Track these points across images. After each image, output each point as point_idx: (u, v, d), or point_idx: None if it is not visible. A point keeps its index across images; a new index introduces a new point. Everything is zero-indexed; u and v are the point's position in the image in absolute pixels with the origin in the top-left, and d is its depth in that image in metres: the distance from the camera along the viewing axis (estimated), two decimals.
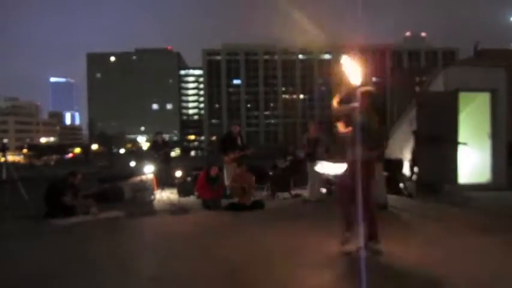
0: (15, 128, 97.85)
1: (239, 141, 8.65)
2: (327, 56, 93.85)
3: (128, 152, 74.72)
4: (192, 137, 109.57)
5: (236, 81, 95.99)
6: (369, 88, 4.11)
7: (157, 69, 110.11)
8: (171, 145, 11.35)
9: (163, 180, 9.04)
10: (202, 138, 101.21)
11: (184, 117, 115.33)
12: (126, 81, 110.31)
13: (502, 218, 5.95)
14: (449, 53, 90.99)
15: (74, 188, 6.69)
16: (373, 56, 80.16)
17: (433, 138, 7.75)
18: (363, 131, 3.91)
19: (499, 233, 4.90)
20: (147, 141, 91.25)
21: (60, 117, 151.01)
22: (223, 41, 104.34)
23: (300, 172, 8.54)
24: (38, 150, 78.49)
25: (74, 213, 6.38)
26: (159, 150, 9.74)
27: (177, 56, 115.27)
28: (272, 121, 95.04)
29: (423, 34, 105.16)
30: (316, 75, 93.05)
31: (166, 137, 21.23)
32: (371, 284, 3.16)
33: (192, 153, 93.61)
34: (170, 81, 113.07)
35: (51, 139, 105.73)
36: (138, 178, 8.49)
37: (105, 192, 7.99)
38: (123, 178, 9.03)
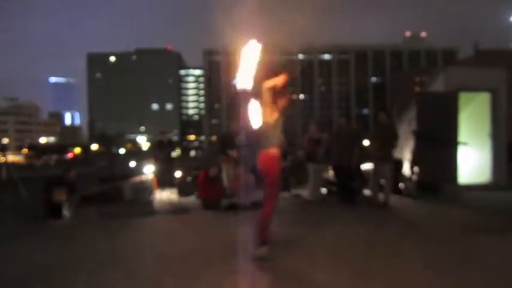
0: (15, 128, 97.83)
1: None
2: (326, 56, 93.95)
3: (128, 152, 74.66)
4: (192, 137, 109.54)
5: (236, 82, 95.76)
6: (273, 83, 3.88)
7: (157, 69, 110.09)
8: (174, 145, 11.30)
9: (163, 180, 9.04)
10: (202, 138, 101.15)
11: (184, 117, 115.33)
12: (126, 81, 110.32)
13: (502, 218, 5.96)
14: (449, 53, 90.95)
15: (68, 186, 6.63)
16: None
17: (433, 138, 7.75)
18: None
19: (499, 233, 4.91)
20: (147, 141, 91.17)
21: (60, 117, 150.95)
22: (223, 41, 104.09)
23: (300, 172, 8.54)
24: (38, 150, 78.36)
25: (62, 211, 6.30)
26: (163, 149, 9.71)
27: (177, 56, 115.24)
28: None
29: (423, 34, 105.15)
30: (317, 75, 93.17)
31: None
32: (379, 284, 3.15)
33: (192, 153, 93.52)
34: (170, 81, 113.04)
35: (51, 139, 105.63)
36: (138, 178, 8.49)
37: (105, 192, 7.99)
38: (123, 178, 9.03)
